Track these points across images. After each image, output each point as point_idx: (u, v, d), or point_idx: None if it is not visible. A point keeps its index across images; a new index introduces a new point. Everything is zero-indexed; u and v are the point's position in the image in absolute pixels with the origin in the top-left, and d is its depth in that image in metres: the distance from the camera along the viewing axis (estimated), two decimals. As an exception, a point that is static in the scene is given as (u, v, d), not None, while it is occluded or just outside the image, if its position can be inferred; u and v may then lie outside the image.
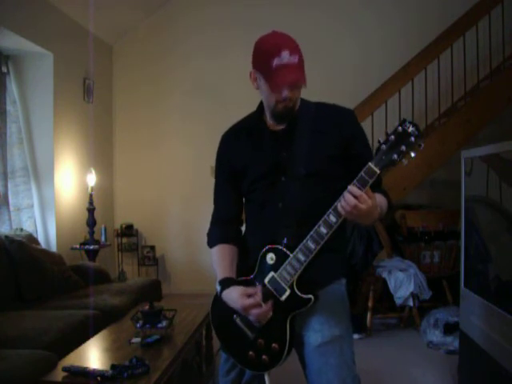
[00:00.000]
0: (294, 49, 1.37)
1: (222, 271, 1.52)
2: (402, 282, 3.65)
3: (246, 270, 1.49)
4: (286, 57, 1.35)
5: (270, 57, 1.35)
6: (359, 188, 1.23)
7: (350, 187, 1.24)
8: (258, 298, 1.39)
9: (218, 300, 1.52)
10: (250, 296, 1.40)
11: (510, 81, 4.10)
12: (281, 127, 1.50)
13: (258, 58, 1.42)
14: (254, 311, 1.39)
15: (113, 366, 1.84)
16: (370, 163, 1.23)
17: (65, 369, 1.88)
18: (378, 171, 1.23)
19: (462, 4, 4.33)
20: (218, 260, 1.56)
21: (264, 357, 1.43)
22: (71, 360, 2.04)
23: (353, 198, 1.22)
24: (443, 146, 4.06)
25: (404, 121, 1.22)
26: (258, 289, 1.41)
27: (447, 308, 3.61)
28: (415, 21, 4.92)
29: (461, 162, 2.66)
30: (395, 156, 1.21)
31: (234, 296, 1.43)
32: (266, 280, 1.42)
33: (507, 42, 4.35)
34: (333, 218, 1.30)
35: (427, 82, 4.19)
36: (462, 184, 2.65)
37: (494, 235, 2.46)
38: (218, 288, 1.49)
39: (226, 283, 1.48)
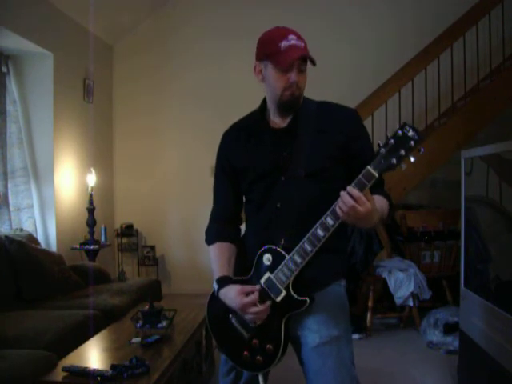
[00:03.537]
0: (300, 36, 1.42)
1: (219, 270, 1.52)
2: (402, 281, 3.65)
3: (244, 270, 1.49)
4: (293, 39, 1.39)
5: (277, 41, 1.39)
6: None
7: (349, 188, 1.22)
8: (256, 296, 1.39)
9: (214, 299, 1.51)
10: (247, 294, 1.40)
11: (510, 81, 4.10)
12: (282, 125, 1.49)
13: (263, 47, 1.44)
14: (252, 309, 1.38)
15: (113, 366, 1.84)
16: (368, 167, 1.22)
17: (65, 369, 1.88)
18: (377, 175, 1.21)
19: (461, 4, 4.33)
20: (216, 258, 1.55)
21: (258, 357, 1.43)
22: (71, 360, 2.04)
23: (351, 199, 1.21)
24: (443, 145, 4.06)
25: (404, 124, 1.20)
26: (256, 287, 1.41)
27: (447, 308, 3.61)
28: (414, 21, 4.91)
29: (461, 161, 2.66)
30: (394, 160, 1.19)
31: (232, 294, 1.42)
32: (262, 281, 1.42)
33: (507, 42, 4.35)
34: (330, 221, 1.29)
35: (427, 82, 4.19)
36: (461, 184, 2.65)
37: (493, 235, 2.46)
38: (215, 286, 1.49)
39: (223, 282, 1.48)
